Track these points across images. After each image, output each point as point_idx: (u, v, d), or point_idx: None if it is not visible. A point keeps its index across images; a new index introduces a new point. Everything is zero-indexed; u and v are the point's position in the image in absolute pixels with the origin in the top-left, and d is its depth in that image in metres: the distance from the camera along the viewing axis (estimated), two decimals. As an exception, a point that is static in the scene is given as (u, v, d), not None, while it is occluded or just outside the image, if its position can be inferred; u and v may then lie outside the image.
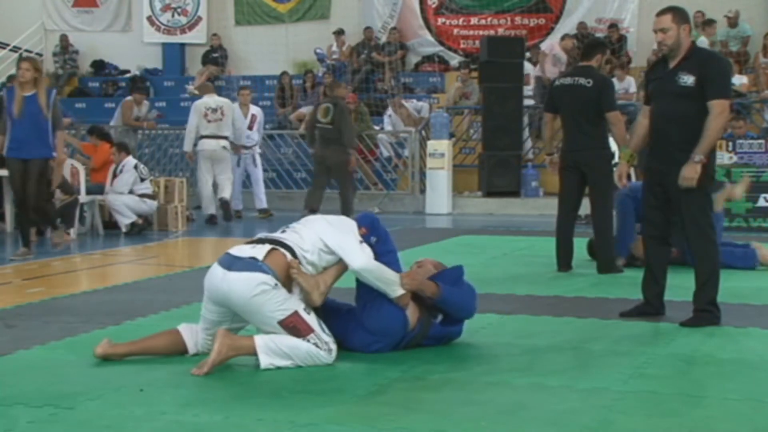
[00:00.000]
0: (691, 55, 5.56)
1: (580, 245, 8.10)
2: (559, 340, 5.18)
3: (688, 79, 5.49)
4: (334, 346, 4.51)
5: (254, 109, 13.97)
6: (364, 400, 4.01)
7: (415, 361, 4.62)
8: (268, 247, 4.52)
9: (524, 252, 7.89)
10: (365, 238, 4.75)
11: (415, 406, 3.90)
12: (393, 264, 4.80)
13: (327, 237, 4.62)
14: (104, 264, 9.14)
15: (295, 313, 4.42)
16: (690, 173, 5.42)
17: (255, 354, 4.37)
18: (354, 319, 4.76)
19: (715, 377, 4.45)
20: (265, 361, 4.36)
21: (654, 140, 5.71)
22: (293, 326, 4.41)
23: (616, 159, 8.50)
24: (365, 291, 4.75)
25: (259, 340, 4.38)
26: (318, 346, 4.43)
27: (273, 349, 4.37)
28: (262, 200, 13.90)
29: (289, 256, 4.51)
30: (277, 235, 4.69)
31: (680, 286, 5.99)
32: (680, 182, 5.45)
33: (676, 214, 5.68)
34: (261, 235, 4.72)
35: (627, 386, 4.19)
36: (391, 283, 4.65)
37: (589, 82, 7.65)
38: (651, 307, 5.78)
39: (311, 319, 4.48)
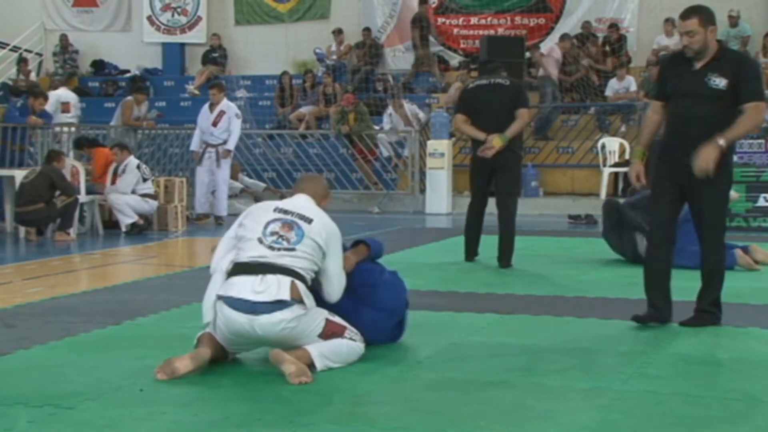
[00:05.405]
0: (721, 56, 5.39)
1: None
2: (559, 340, 5.17)
3: (720, 82, 5.32)
4: (359, 334, 4.63)
5: (223, 105, 12.99)
6: (364, 400, 4.01)
7: (415, 361, 4.63)
8: (283, 279, 4.38)
9: (524, 252, 7.87)
10: (367, 265, 4.92)
11: (415, 406, 3.90)
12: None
13: (331, 262, 4.58)
14: (104, 264, 9.13)
15: (328, 321, 4.51)
16: (709, 154, 5.17)
17: (311, 362, 4.36)
18: (360, 301, 4.77)
19: (715, 377, 4.45)
20: (320, 364, 4.39)
21: (671, 139, 5.52)
22: (331, 333, 4.50)
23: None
24: (367, 275, 4.86)
25: (313, 350, 4.41)
26: (353, 339, 4.56)
27: (324, 354, 4.43)
28: (218, 207, 12.83)
29: (299, 283, 4.42)
30: (273, 260, 4.44)
31: (680, 286, 5.97)
32: (698, 163, 5.19)
33: (684, 213, 5.60)
34: (249, 259, 4.48)
35: (627, 386, 4.19)
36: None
37: (507, 81, 7.87)
38: (660, 312, 5.59)
39: (338, 318, 4.58)
